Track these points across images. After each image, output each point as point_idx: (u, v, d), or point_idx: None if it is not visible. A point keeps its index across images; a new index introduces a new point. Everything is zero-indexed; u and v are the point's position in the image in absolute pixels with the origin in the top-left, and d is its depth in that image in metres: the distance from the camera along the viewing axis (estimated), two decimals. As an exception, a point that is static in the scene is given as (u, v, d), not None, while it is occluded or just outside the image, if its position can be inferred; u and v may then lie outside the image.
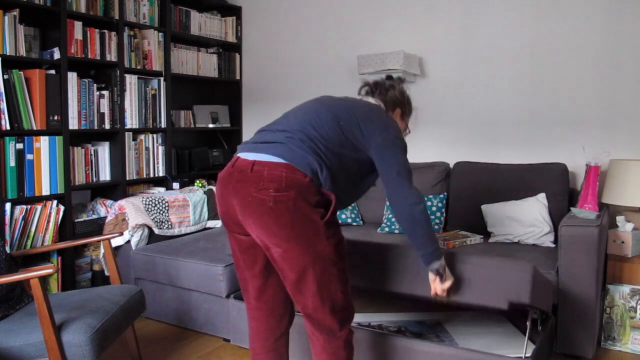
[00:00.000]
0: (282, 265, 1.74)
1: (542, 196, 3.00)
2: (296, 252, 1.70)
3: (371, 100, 2.05)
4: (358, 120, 1.85)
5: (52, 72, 3.03)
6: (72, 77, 3.13)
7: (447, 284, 1.89)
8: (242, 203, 1.72)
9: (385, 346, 2.22)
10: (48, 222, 3.00)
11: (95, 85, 3.29)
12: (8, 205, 2.82)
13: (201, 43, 4.20)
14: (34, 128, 2.94)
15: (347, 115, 1.85)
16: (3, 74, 2.77)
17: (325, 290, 1.76)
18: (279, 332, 1.96)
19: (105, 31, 3.32)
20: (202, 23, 4.09)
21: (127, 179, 3.47)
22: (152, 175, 3.67)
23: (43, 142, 2.98)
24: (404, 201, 1.80)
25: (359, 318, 2.61)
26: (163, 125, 3.72)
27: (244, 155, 1.79)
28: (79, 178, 3.24)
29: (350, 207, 3.46)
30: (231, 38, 4.33)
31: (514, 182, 3.13)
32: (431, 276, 1.89)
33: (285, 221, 1.68)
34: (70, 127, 3.13)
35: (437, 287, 1.89)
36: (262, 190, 1.68)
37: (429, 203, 3.25)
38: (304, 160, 1.73)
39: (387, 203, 3.35)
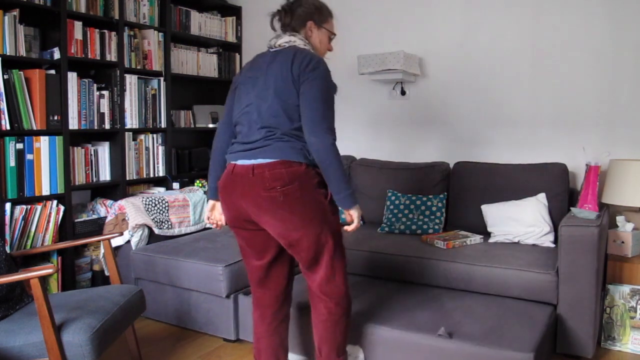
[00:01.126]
0: (298, 248, 1.95)
1: (542, 196, 3.00)
2: (312, 234, 1.92)
3: (284, 39, 2.07)
4: (292, 81, 1.95)
5: (52, 72, 3.03)
6: (72, 77, 3.13)
7: (357, 223, 1.99)
8: (255, 204, 1.91)
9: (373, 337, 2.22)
10: (48, 222, 3.00)
11: (95, 85, 3.29)
12: (8, 205, 2.82)
13: (201, 43, 4.20)
14: (34, 128, 2.94)
15: (283, 83, 1.96)
16: (3, 74, 2.77)
17: (337, 261, 2.01)
18: (281, 316, 2.16)
19: (105, 31, 3.32)
20: (202, 23, 4.09)
21: (127, 179, 3.47)
22: (152, 175, 3.67)
23: (43, 142, 2.98)
24: (327, 143, 1.89)
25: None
26: (163, 125, 3.72)
27: (241, 162, 1.95)
28: (79, 178, 3.24)
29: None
30: (231, 38, 4.33)
31: (514, 182, 3.13)
32: (348, 217, 2.00)
33: (298, 210, 1.89)
34: (70, 127, 3.13)
35: (353, 226, 2.00)
36: (271, 189, 1.88)
37: (428, 203, 3.26)
38: (293, 151, 1.91)
39: (387, 203, 3.36)
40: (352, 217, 1.99)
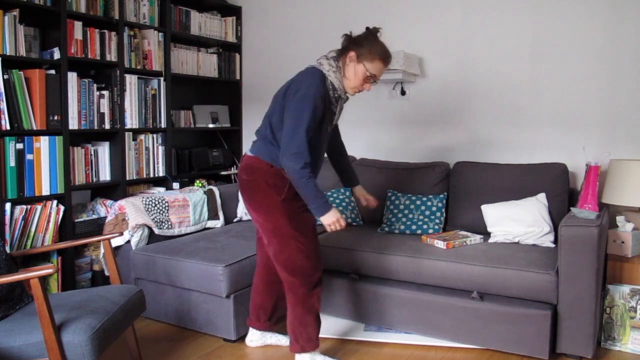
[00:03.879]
0: (259, 229, 2.42)
1: (542, 196, 3.00)
2: (261, 220, 2.36)
3: (319, 59, 2.37)
4: (282, 99, 2.29)
5: (52, 72, 3.03)
6: (72, 77, 3.13)
7: (328, 229, 2.32)
8: (238, 185, 2.46)
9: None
10: (48, 222, 2.99)
11: (95, 85, 3.29)
12: (8, 205, 2.82)
13: (201, 43, 4.20)
14: (34, 128, 2.94)
15: (279, 99, 2.31)
16: (3, 74, 2.77)
17: (284, 254, 2.35)
18: (276, 276, 2.52)
19: (105, 31, 3.32)
20: (202, 23, 4.09)
21: (127, 179, 3.47)
22: (152, 175, 3.67)
23: (43, 142, 2.98)
24: (291, 166, 2.20)
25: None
26: (163, 125, 3.72)
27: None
28: (79, 178, 3.24)
29: (350, 207, 3.46)
30: (231, 38, 4.33)
31: (514, 182, 3.13)
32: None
33: (254, 197, 2.36)
34: (70, 127, 3.13)
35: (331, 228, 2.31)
36: (241, 176, 2.40)
37: (428, 203, 3.25)
38: (265, 152, 2.34)
39: (387, 203, 3.36)
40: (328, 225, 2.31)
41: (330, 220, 2.28)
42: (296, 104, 2.20)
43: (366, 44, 2.28)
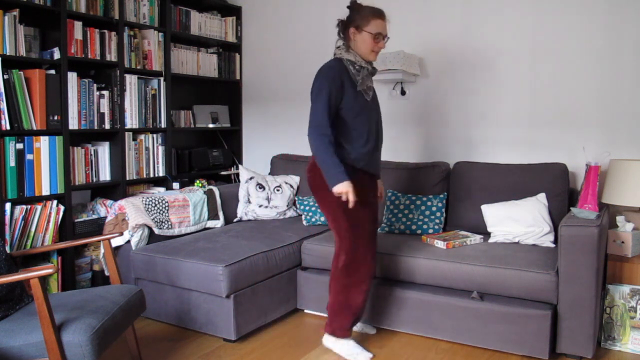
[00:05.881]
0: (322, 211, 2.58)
1: (542, 196, 3.00)
2: (325, 215, 2.53)
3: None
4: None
5: (52, 72, 3.03)
6: (72, 77, 3.13)
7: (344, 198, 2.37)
8: None
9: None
10: (48, 222, 2.99)
11: (95, 85, 3.29)
12: (8, 205, 2.82)
13: (201, 43, 4.20)
14: (34, 128, 2.94)
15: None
16: (3, 74, 2.77)
17: (337, 248, 2.52)
18: None
19: (105, 31, 3.32)
20: (202, 23, 4.09)
21: (127, 179, 3.47)
22: (152, 175, 3.67)
23: (43, 142, 2.98)
24: (310, 140, 2.39)
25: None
26: (163, 125, 3.72)
27: None
28: (79, 178, 3.24)
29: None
30: (231, 38, 4.33)
31: (514, 182, 3.13)
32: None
33: (316, 194, 2.52)
34: (70, 127, 3.13)
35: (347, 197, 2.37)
36: (307, 174, 2.58)
37: (428, 203, 3.26)
38: None
39: (387, 203, 3.36)
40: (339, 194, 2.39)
41: (341, 189, 2.34)
42: (314, 87, 2.42)
43: (356, 16, 2.48)
